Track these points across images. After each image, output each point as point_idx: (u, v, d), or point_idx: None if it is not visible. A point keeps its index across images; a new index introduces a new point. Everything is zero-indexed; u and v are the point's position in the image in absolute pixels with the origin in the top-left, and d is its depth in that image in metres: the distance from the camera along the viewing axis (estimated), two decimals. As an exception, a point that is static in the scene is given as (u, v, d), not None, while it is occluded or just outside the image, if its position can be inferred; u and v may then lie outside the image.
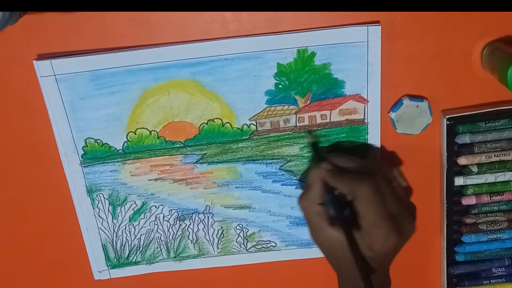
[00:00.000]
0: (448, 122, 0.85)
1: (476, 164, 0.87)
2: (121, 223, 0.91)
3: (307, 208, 0.80)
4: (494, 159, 0.86)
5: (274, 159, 0.87)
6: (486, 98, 0.85)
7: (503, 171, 0.87)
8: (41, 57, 0.79)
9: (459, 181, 0.88)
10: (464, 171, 0.88)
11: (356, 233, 0.76)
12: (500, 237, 0.91)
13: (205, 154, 0.86)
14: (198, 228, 0.92)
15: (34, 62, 0.79)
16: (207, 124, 0.84)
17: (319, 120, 0.85)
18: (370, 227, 0.76)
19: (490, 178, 0.87)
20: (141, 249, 0.93)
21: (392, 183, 0.81)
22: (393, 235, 0.76)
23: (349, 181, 0.77)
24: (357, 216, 0.77)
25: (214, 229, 0.92)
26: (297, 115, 0.84)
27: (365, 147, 0.88)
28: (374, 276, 0.77)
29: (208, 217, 0.91)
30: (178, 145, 0.85)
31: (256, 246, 0.94)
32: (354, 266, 0.76)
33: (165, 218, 0.91)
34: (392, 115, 0.84)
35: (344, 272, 0.81)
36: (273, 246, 0.94)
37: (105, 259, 0.94)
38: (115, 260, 0.93)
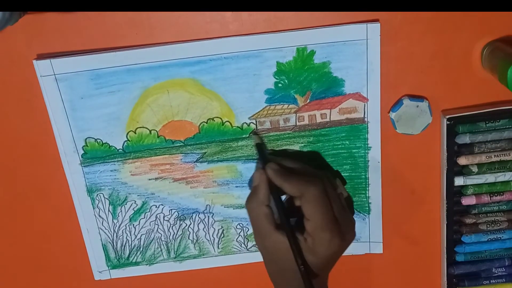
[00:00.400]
0: (448, 122, 0.85)
1: (476, 164, 0.86)
2: (121, 223, 0.91)
3: (254, 210, 0.80)
4: (494, 159, 0.86)
5: (274, 158, 0.87)
6: (486, 98, 0.85)
7: (503, 171, 0.87)
8: (41, 56, 0.79)
9: (459, 181, 0.88)
10: (464, 171, 0.88)
11: (300, 237, 0.77)
12: (500, 237, 0.91)
13: (205, 153, 0.86)
14: (199, 228, 0.92)
15: (34, 61, 0.79)
16: (207, 123, 0.84)
17: (319, 119, 0.85)
18: (315, 230, 0.76)
19: (490, 178, 0.87)
20: (141, 249, 0.93)
21: (336, 190, 0.82)
22: (337, 238, 0.76)
23: (297, 182, 0.77)
24: (302, 219, 0.77)
25: (214, 228, 0.92)
26: (297, 114, 0.84)
27: (309, 153, 0.88)
28: (315, 282, 0.77)
29: (208, 216, 0.91)
30: (178, 144, 0.85)
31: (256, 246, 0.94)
32: (295, 274, 0.76)
33: (166, 218, 0.91)
34: (392, 115, 0.84)
35: (284, 281, 0.81)
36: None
37: (106, 260, 0.93)
38: (116, 260, 0.93)
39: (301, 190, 0.76)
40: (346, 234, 0.79)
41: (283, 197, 0.81)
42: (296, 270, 0.76)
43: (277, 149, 0.87)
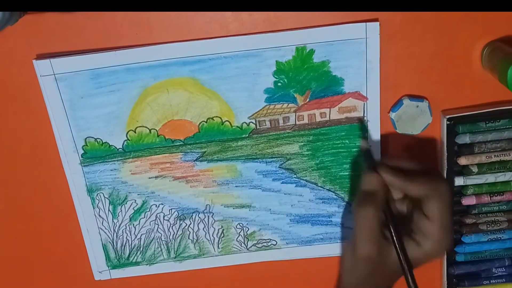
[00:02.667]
0: (448, 122, 0.85)
1: (476, 164, 0.86)
2: (121, 223, 0.91)
3: (370, 215, 0.75)
4: (494, 159, 0.86)
5: (274, 157, 0.87)
6: (486, 98, 0.85)
7: (503, 171, 0.87)
8: (41, 56, 0.80)
9: (459, 181, 0.88)
10: (464, 171, 0.88)
11: (410, 242, 0.76)
12: (500, 237, 0.91)
13: (204, 152, 0.86)
14: (199, 228, 0.92)
15: (34, 61, 0.79)
16: (206, 122, 0.84)
17: (318, 118, 0.85)
18: (439, 231, 0.74)
19: (490, 178, 0.87)
20: (141, 249, 0.93)
21: None
22: (447, 242, 0.75)
23: (423, 180, 0.75)
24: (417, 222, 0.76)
25: (214, 228, 0.92)
26: (297, 113, 0.84)
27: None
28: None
29: (208, 216, 0.91)
30: (178, 143, 0.86)
31: (256, 245, 0.94)
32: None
33: (165, 218, 0.91)
34: (392, 115, 0.84)
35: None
36: (274, 245, 0.94)
37: (106, 259, 0.93)
38: (116, 260, 0.93)
39: (430, 189, 0.74)
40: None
41: None
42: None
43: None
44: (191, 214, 0.91)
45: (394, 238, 0.75)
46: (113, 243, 0.92)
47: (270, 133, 0.85)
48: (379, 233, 0.75)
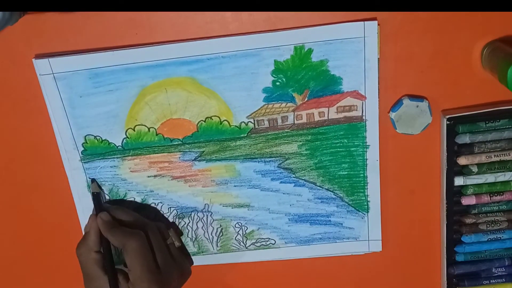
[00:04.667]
0: (448, 122, 0.85)
1: (476, 164, 0.86)
2: (121, 220, 0.91)
3: (84, 255, 0.83)
4: (494, 159, 0.86)
5: (273, 157, 0.88)
6: (486, 98, 0.85)
7: (503, 171, 0.87)
8: (40, 56, 0.80)
9: (459, 181, 0.88)
10: (464, 171, 0.88)
11: (124, 285, 0.82)
12: (500, 237, 0.91)
13: (203, 151, 0.87)
14: (197, 227, 0.93)
15: (33, 60, 0.80)
16: (205, 121, 0.84)
17: (317, 118, 0.85)
18: (135, 280, 0.81)
19: (490, 178, 0.87)
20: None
21: (166, 240, 0.87)
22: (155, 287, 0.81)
23: (120, 235, 0.82)
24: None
25: (213, 227, 0.93)
26: (295, 113, 0.84)
27: (149, 207, 0.91)
28: None
29: (207, 215, 0.92)
30: (176, 143, 0.86)
31: (255, 244, 0.94)
32: None
33: (164, 216, 0.92)
34: (392, 115, 0.84)
35: None
36: (272, 244, 0.94)
37: (106, 258, 0.94)
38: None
39: (123, 242, 0.81)
40: (171, 282, 0.84)
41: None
42: None
43: (117, 198, 0.91)
44: (189, 213, 0.91)
45: (109, 277, 0.82)
46: (112, 240, 0.93)
47: (269, 133, 0.86)
48: (96, 270, 0.83)
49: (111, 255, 0.84)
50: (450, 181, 0.88)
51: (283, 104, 0.84)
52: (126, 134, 0.85)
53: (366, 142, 0.86)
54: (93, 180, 0.89)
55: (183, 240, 0.93)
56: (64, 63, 0.80)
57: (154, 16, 0.79)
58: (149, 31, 0.80)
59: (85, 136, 0.85)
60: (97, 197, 0.88)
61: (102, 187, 0.89)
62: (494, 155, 0.86)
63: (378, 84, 0.83)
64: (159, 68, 0.81)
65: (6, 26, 0.69)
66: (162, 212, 0.93)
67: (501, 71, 0.76)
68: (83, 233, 0.86)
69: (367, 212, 0.91)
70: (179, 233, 0.92)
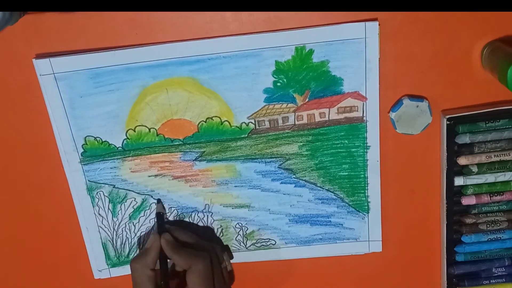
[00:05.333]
0: (448, 122, 0.85)
1: (476, 164, 0.86)
2: (121, 221, 0.91)
3: (139, 270, 0.84)
4: (494, 159, 0.86)
5: (273, 157, 0.87)
6: (486, 98, 0.85)
7: (503, 171, 0.87)
8: (40, 56, 0.80)
9: (459, 181, 0.88)
10: (464, 171, 0.88)
11: None
12: (500, 237, 0.91)
13: (204, 152, 0.87)
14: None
15: (34, 60, 0.79)
16: (205, 122, 0.84)
17: (317, 118, 0.85)
18: None
19: (490, 178, 0.87)
20: (141, 247, 0.93)
21: (222, 264, 0.89)
22: None
23: (186, 255, 0.84)
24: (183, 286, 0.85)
25: (213, 227, 0.92)
26: (296, 113, 0.84)
27: (207, 229, 0.93)
28: None
29: (207, 216, 0.92)
30: (177, 143, 0.86)
31: (255, 244, 0.94)
32: None
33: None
34: (392, 115, 0.84)
35: None
36: (273, 244, 0.94)
37: (105, 258, 0.94)
38: (115, 258, 0.94)
39: (189, 264, 0.83)
40: None
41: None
42: None
43: (177, 219, 0.92)
44: (190, 213, 0.91)
45: None
46: (112, 241, 0.92)
47: (269, 133, 0.86)
48: (146, 285, 0.84)
49: (168, 274, 0.86)
50: (450, 181, 0.88)
51: (284, 105, 0.84)
52: (126, 135, 0.85)
53: (366, 143, 0.86)
54: (159, 201, 0.90)
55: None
56: (65, 63, 0.79)
57: (154, 16, 0.79)
58: (149, 31, 0.79)
59: (85, 137, 0.85)
60: (161, 217, 0.90)
61: (102, 189, 0.89)
62: (494, 155, 0.86)
63: (379, 84, 0.83)
64: (160, 68, 0.80)
65: (6, 26, 0.68)
66: (217, 234, 0.94)
67: (501, 71, 0.76)
68: (140, 249, 0.91)
69: (368, 212, 0.91)
70: (231, 256, 0.94)
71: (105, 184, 0.89)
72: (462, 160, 0.86)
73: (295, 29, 0.79)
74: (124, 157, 0.87)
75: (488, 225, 0.90)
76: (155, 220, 0.91)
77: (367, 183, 0.89)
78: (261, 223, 0.92)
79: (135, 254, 0.92)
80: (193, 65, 0.80)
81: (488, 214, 0.90)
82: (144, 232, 0.93)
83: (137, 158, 0.87)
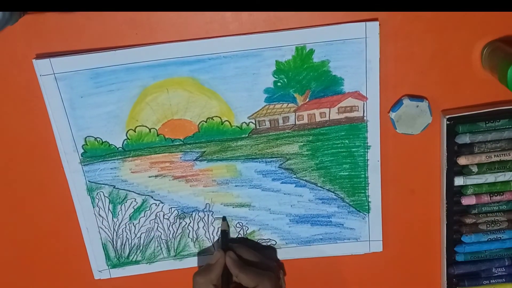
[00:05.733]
0: (448, 122, 0.85)
1: (476, 164, 0.86)
2: (121, 222, 0.91)
3: (203, 285, 0.87)
4: (494, 159, 0.86)
5: (274, 157, 0.87)
6: (486, 98, 0.85)
7: (503, 171, 0.87)
8: (41, 56, 0.80)
9: (459, 181, 0.88)
10: (464, 171, 0.88)
11: None
12: (500, 237, 0.91)
13: (204, 151, 0.86)
14: (198, 226, 0.92)
15: (34, 61, 0.79)
16: (206, 122, 0.84)
17: (318, 118, 0.85)
18: None
19: (490, 178, 0.87)
20: (141, 248, 0.93)
21: (280, 281, 0.90)
22: None
23: (253, 274, 0.86)
24: None
25: (214, 227, 0.92)
26: (296, 113, 0.84)
27: (269, 248, 0.95)
28: None
29: (208, 215, 0.92)
30: (178, 143, 0.86)
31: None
32: None
33: (165, 216, 0.91)
34: (392, 115, 0.84)
35: None
36: (273, 244, 0.94)
37: (105, 259, 0.94)
38: (115, 259, 0.94)
39: (256, 282, 0.85)
40: None
41: None
42: None
43: (240, 237, 0.93)
44: (191, 213, 0.91)
45: None
46: (113, 242, 0.92)
47: (270, 133, 0.86)
48: None
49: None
50: (450, 181, 0.88)
51: (284, 105, 0.84)
52: (127, 135, 0.85)
53: (367, 143, 0.86)
54: (224, 218, 0.92)
55: (184, 241, 0.93)
56: (65, 63, 0.79)
57: (154, 16, 0.79)
58: (149, 31, 0.79)
59: (85, 138, 0.85)
60: (226, 235, 0.91)
61: (102, 189, 0.89)
62: (494, 155, 0.86)
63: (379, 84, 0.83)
64: (160, 68, 0.80)
65: (6, 26, 0.68)
66: (275, 255, 0.95)
67: (501, 71, 0.76)
68: (205, 264, 0.91)
69: (368, 212, 0.91)
70: (284, 273, 0.96)
71: (105, 184, 0.88)
72: (462, 160, 0.86)
73: (295, 29, 0.79)
74: (125, 158, 0.86)
75: (488, 225, 0.90)
76: (219, 237, 0.93)
77: (368, 183, 0.89)
78: (262, 223, 0.92)
79: (199, 269, 0.92)
80: (193, 65, 0.80)
81: (488, 214, 0.90)
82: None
83: (138, 158, 0.87)
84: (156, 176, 0.88)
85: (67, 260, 0.94)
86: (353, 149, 0.87)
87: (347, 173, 0.89)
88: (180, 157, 0.87)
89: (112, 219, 0.91)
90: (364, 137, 0.86)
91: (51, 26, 0.79)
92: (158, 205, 0.90)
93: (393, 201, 0.91)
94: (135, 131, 0.85)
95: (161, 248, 0.93)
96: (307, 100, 0.83)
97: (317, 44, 0.80)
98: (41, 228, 0.93)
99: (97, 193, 0.89)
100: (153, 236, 0.93)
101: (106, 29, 0.79)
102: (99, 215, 0.90)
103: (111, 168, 0.87)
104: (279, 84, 0.82)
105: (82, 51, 0.80)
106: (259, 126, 0.85)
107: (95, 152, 0.86)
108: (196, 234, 0.93)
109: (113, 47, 0.80)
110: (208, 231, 0.93)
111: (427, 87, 0.84)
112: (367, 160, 0.87)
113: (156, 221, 0.91)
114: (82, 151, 0.86)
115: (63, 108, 0.82)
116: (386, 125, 0.86)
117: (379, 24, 0.79)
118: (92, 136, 0.85)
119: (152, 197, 0.90)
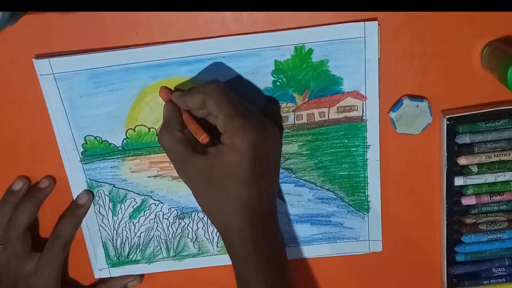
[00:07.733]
0: (448, 122, 0.85)
1: (476, 164, 0.86)
2: (121, 221, 0.91)
3: (166, 137, 0.77)
4: (494, 159, 0.86)
5: (273, 157, 0.87)
6: (486, 98, 0.85)
7: (503, 171, 0.87)
8: (40, 56, 0.80)
9: (459, 181, 0.88)
10: (464, 171, 0.88)
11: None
12: (500, 237, 0.91)
13: (204, 151, 0.86)
14: (198, 227, 0.92)
15: (34, 60, 0.79)
16: (206, 121, 0.84)
17: (317, 118, 0.85)
18: (225, 122, 0.73)
19: (490, 178, 0.87)
20: (141, 247, 0.93)
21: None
22: (251, 123, 0.74)
23: (196, 88, 0.76)
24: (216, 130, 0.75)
25: (213, 228, 0.92)
26: (295, 113, 0.84)
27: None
28: None
29: (208, 215, 0.92)
30: (177, 143, 0.86)
31: (256, 244, 0.94)
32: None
33: (165, 216, 0.91)
34: (392, 115, 0.84)
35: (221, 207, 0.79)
36: (273, 244, 0.94)
37: (105, 257, 0.94)
38: (115, 258, 0.94)
39: (201, 91, 0.74)
40: (266, 125, 0.77)
41: None
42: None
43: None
44: (190, 213, 0.91)
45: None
46: (113, 240, 0.92)
47: (269, 133, 0.85)
48: (183, 150, 0.76)
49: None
50: (450, 181, 0.88)
51: (283, 104, 0.84)
52: (126, 134, 0.85)
53: (366, 142, 0.86)
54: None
55: (183, 241, 0.93)
56: (64, 63, 0.80)
57: (154, 16, 0.79)
58: (149, 31, 0.80)
59: (85, 137, 0.85)
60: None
61: (102, 187, 0.89)
62: (494, 155, 0.86)
63: (379, 84, 0.83)
64: (159, 68, 0.80)
65: (6, 26, 0.68)
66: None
67: (501, 71, 0.76)
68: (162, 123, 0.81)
69: (368, 212, 0.91)
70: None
71: (105, 183, 0.89)
72: (462, 160, 0.86)
73: (294, 28, 0.79)
74: (124, 157, 0.87)
75: (488, 225, 0.90)
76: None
77: (367, 183, 0.89)
78: (262, 223, 0.92)
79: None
80: (192, 65, 0.80)
81: (488, 214, 0.90)
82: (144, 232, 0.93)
83: (137, 158, 0.87)
84: (155, 176, 0.88)
85: (67, 258, 0.94)
86: (353, 149, 0.87)
87: (346, 173, 0.88)
88: (180, 157, 0.87)
89: (112, 218, 0.91)
90: (363, 136, 0.86)
91: (51, 26, 0.79)
92: (158, 205, 0.90)
93: (393, 200, 0.91)
94: (134, 131, 0.85)
95: (160, 248, 0.93)
96: (306, 99, 0.83)
97: (316, 44, 0.79)
98: (42, 227, 0.93)
99: (98, 190, 0.89)
100: (152, 236, 0.92)
101: (106, 29, 0.79)
102: (100, 213, 0.90)
103: (111, 167, 0.87)
104: (278, 83, 0.82)
105: (82, 51, 0.80)
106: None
107: (95, 151, 0.86)
108: (195, 234, 0.93)
109: (113, 47, 0.80)
110: (208, 232, 0.93)
111: (427, 87, 0.84)
112: (367, 159, 0.87)
113: (155, 221, 0.91)
114: (82, 149, 0.86)
115: (63, 108, 0.82)
116: (386, 125, 0.86)
117: (379, 24, 0.79)
118: (92, 135, 0.85)
119: (151, 197, 0.90)
